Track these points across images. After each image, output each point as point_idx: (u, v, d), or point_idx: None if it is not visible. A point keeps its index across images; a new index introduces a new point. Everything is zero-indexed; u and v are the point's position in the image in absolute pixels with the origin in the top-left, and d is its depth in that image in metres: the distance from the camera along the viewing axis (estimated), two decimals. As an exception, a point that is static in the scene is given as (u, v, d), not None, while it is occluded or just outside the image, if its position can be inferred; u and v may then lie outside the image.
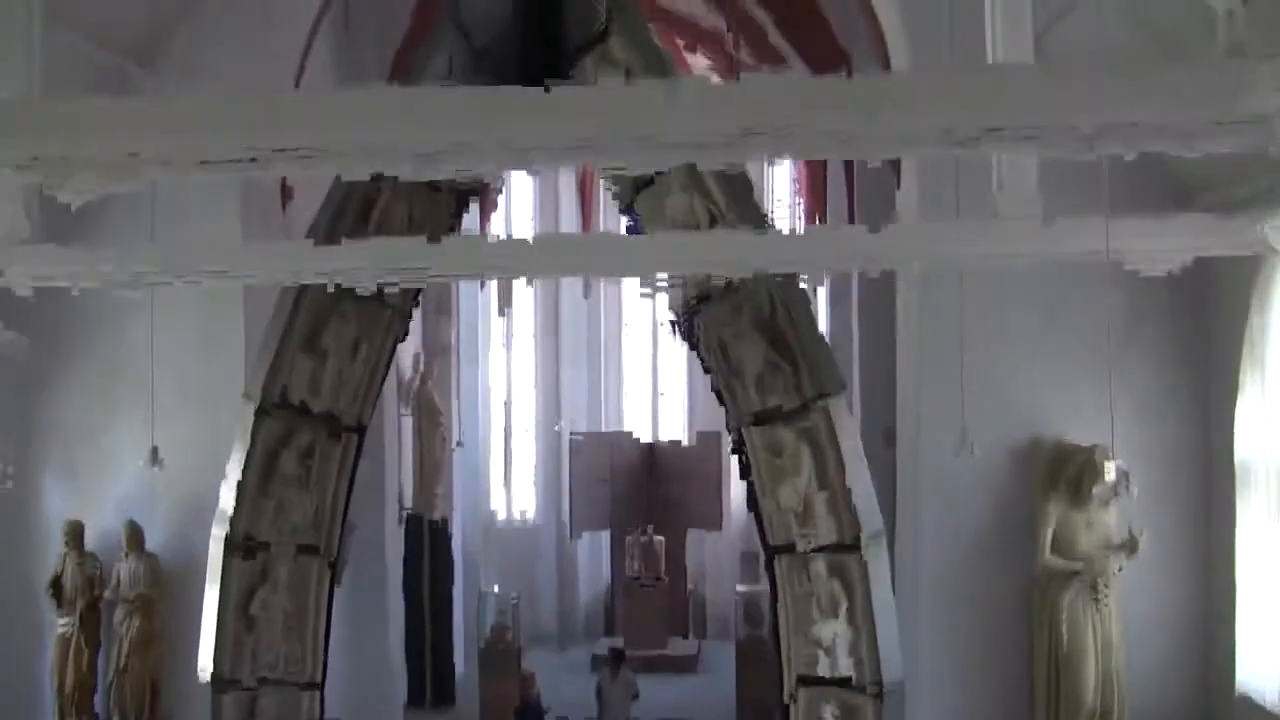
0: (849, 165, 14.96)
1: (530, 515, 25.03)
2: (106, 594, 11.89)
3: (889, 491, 11.63)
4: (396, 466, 16.63)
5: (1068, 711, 10.57)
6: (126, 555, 11.82)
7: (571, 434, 24.08)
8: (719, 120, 5.44)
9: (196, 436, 10.98)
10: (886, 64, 11.72)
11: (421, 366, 18.39)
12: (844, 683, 10.34)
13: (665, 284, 9.41)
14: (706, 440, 22.94)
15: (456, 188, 10.85)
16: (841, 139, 5.57)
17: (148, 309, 9.52)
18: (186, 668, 10.81)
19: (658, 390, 26.52)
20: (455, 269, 8.80)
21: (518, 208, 24.63)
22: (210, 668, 10.48)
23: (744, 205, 10.39)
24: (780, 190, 23.48)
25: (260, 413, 10.63)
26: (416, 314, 12.48)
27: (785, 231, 15.28)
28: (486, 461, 23.10)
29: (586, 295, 24.44)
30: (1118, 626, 10.66)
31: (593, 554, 24.80)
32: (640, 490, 23.60)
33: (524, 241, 10.37)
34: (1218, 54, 5.88)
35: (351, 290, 10.12)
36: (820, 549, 10.39)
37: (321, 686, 11.04)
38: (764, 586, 13.80)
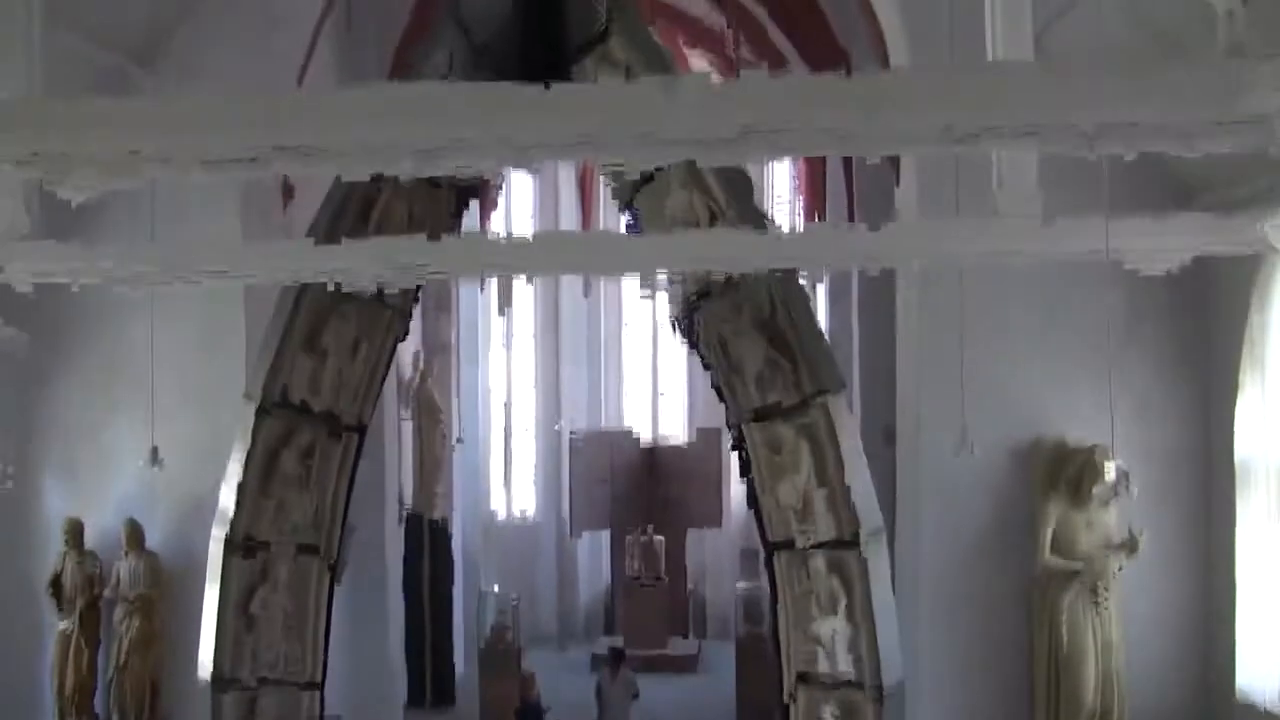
0: (848, 163, 14.97)
1: (530, 514, 25.04)
2: (106, 593, 11.88)
3: (889, 490, 11.62)
4: (396, 466, 16.63)
5: (1068, 712, 10.56)
6: (126, 554, 11.82)
7: (571, 433, 24.08)
8: (719, 118, 5.43)
9: (197, 436, 10.99)
10: (886, 63, 11.71)
11: (421, 365, 18.39)
12: (843, 682, 10.33)
13: (665, 282, 9.41)
14: (706, 439, 22.95)
15: (457, 184, 10.85)
16: (841, 137, 5.56)
17: (148, 307, 9.52)
18: (186, 667, 10.81)
19: (658, 389, 26.52)
20: (455, 267, 8.80)
21: (518, 206, 24.63)
22: (210, 667, 10.47)
23: (744, 203, 10.38)
24: (780, 188, 23.49)
25: (260, 412, 10.62)
26: (416, 313, 12.48)
27: (785, 230, 15.26)
28: (486, 461, 23.11)
29: (587, 294, 24.53)
30: (1118, 627, 10.66)
31: (593, 553, 24.80)
32: (640, 489, 23.61)
33: (524, 240, 10.36)
34: (1218, 53, 5.87)
35: (352, 290, 10.15)
36: (819, 545, 10.38)
37: (322, 686, 11.04)
38: (764, 584, 13.79)
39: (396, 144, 5.32)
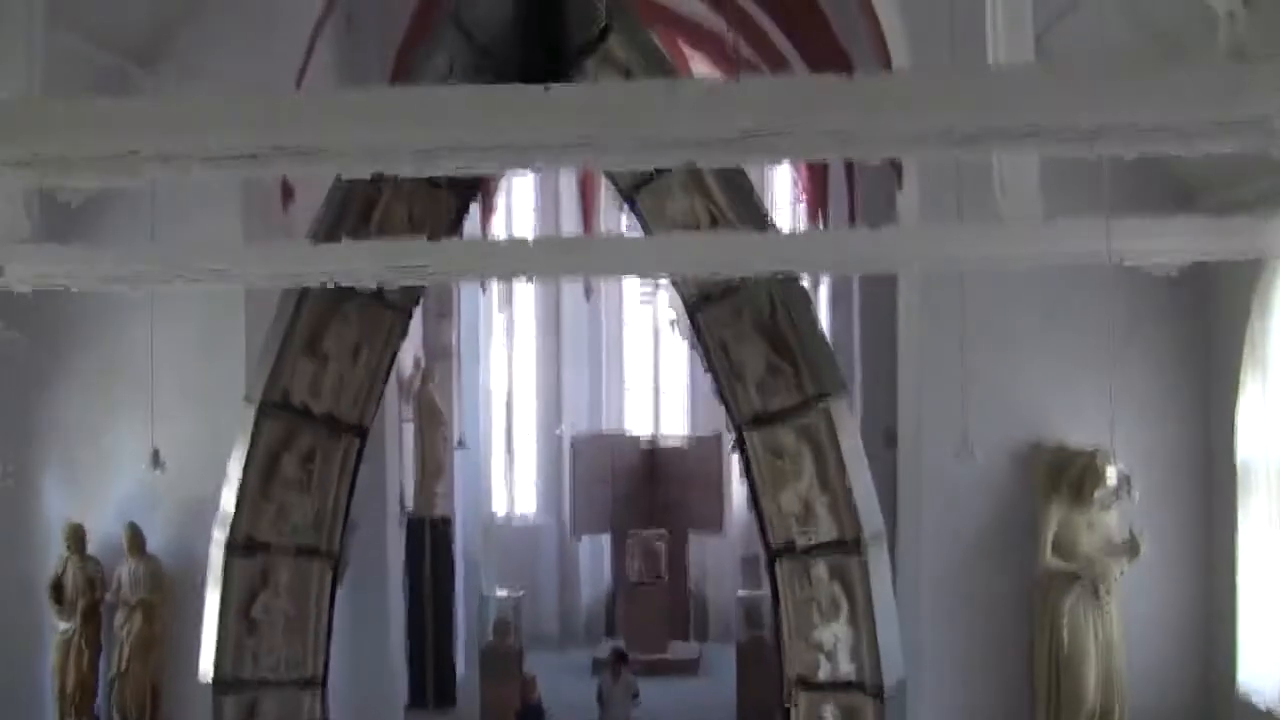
0: (850, 167, 14.96)
1: (531, 516, 25.03)
2: (107, 597, 11.87)
3: (890, 493, 11.62)
4: (398, 468, 16.63)
5: (1068, 712, 10.56)
6: (127, 558, 11.81)
7: (572, 435, 24.08)
8: (719, 120, 5.42)
9: (197, 438, 10.96)
10: (887, 64, 11.71)
11: (423, 367, 18.39)
12: (844, 683, 10.32)
13: (664, 285, 9.41)
14: (707, 442, 22.95)
15: (457, 185, 10.84)
16: (842, 139, 5.54)
17: (148, 309, 9.51)
18: (187, 670, 10.79)
19: (659, 392, 26.51)
20: (456, 269, 8.79)
21: (518, 208, 24.63)
22: (211, 670, 10.46)
23: (745, 206, 10.38)
24: (781, 191, 23.47)
25: (261, 415, 10.61)
26: (417, 315, 12.47)
27: (786, 233, 15.26)
28: (487, 463, 23.10)
29: (588, 296, 24.61)
30: (1119, 627, 10.66)
31: (594, 555, 24.78)
32: (641, 492, 23.59)
33: (525, 242, 10.36)
34: (1219, 55, 5.87)
35: (353, 293, 10.14)
36: (820, 547, 10.36)
37: (323, 687, 11.03)
38: (765, 592, 13.77)
39: (397, 145, 5.31)
